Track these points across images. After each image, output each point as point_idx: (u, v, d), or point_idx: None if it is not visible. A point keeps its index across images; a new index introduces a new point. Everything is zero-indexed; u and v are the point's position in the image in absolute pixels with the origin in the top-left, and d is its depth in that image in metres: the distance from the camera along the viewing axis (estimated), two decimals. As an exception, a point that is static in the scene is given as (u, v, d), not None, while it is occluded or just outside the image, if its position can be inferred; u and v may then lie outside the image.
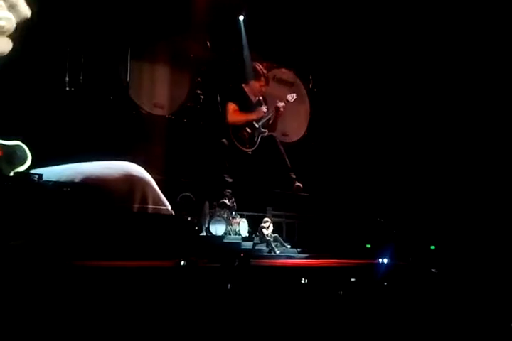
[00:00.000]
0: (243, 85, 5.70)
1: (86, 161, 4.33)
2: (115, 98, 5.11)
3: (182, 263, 3.26)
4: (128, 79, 5.05)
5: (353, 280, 3.72)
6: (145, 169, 4.97)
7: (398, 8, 6.43)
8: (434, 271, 4.28)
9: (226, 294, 3.02)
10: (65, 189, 3.79)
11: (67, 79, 4.57)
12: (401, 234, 6.03)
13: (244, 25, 6.07)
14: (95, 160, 4.41)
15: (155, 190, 4.51)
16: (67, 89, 4.55)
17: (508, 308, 3.26)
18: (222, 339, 2.66)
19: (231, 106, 5.56)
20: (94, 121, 4.79)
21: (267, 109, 5.66)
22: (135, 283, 2.80)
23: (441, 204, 6.34)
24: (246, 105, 5.64)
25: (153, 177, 4.96)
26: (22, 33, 3.71)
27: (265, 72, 5.79)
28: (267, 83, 5.79)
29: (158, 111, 5.60)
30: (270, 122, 5.76)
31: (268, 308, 3.01)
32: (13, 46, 3.75)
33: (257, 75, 5.70)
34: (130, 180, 4.35)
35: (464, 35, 6.28)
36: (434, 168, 6.60)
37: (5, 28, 2.30)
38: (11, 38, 3.59)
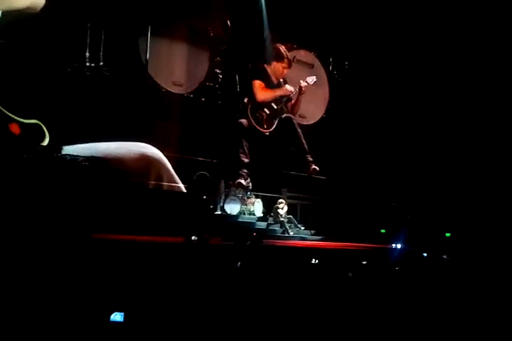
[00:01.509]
0: (265, 66, 5.66)
1: (103, 140, 4.38)
2: (134, 75, 5.12)
3: (193, 238, 3.30)
4: (147, 56, 5.05)
5: (364, 263, 3.74)
6: (163, 147, 5.02)
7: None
8: (445, 257, 4.27)
9: (236, 272, 3.06)
10: (83, 163, 3.83)
11: (87, 54, 4.59)
12: (416, 220, 6.02)
13: (265, 4, 6.01)
14: (113, 139, 4.46)
15: (169, 170, 4.58)
16: (88, 64, 4.57)
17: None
18: (231, 318, 2.71)
19: (257, 83, 5.51)
20: (112, 98, 4.81)
21: (293, 88, 5.60)
22: (148, 257, 2.85)
23: (458, 192, 6.29)
24: (270, 84, 5.61)
25: (171, 156, 5.02)
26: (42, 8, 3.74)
27: (288, 54, 5.73)
28: (289, 65, 5.73)
29: (176, 90, 5.60)
30: (292, 103, 5.71)
31: (277, 288, 3.05)
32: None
33: (280, 57, 5.64)
34: (146, 159, 4.44)
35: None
36: (452, 154, 6.54)
37: None
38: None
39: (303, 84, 5.57)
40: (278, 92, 5.57)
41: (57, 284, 2.40)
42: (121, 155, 4.27)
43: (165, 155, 5.11)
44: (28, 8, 3.32)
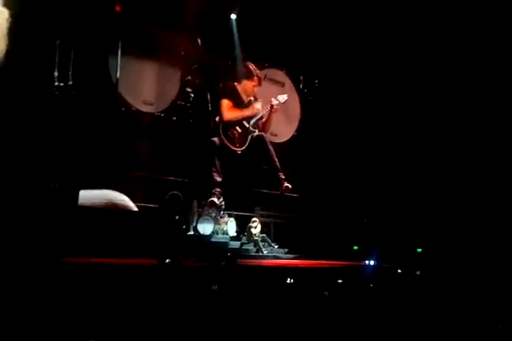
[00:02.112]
0: (235, 84, 5.67)
1: (71, 159, 4.30)
2: (104, 94, 5.06)
3: (167, 261, 3.24)
4: (117, 75, 5.01)
5: (340, 281, 3.73)
6: (134, 167, 4.96)
7: (390, 9, 6.45)
8: (418, 273, 4.30)
9: (212, 294, 3.01)
10: (52, 185, 3.75)
11: (56, 73, 4.52)
12: (388, 236, 6.06)
13: (236, 23, 6.05)
14: (81, 158, 4.39)
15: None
16: (56, 83, 4.50)
17: (493, 310, 3.29)
18: (205, 338, 2.66)
19: (225, 103, 5.51)
20: (82, 118, 4.74)
21: (262, 106, 5.61)
22: (121, 280, 2.78)
23: (428, 207, 6.37)
24: (239, 103, 5.61)
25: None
26: (10, 26, 3.67)
27: (258, 72, 5.75)
28: (259, 83, 5.75)
29: (147, 109, 5.57)
30: (263, 121, 5.72)
31: (254, 308, 3.01)
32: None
33: (249, 75, 5.65)
34: (112, 207, 4.37)
35: (458, 35, 6.31)
36: (421, 170, 6.63)
37: None
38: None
39: (274, 102, 5.59)
40: (246, 112, 5.57)
41: (27, 311, 2.32)
42: (89, 204, 4.18)
43: (136, 176, 5.06)
44: None
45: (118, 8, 4.97)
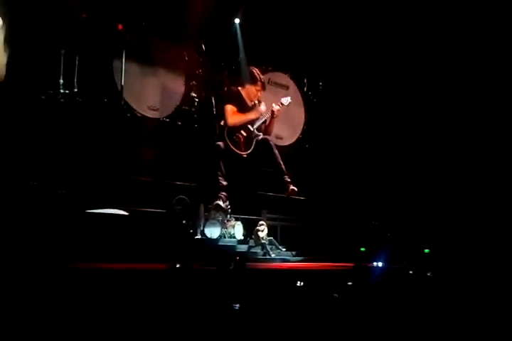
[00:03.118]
0: (239, 88, 5.68)
1: (78, 166, 4.31)
2: (109, 100, 5.09)
3: (177, 266, 3.25)
4: (122, 81, 5.03)
5: (349, 283, 3.72)
6: (139, 172, 4.98)
7: (395, 12, 6.45)
8: (429, 274, 4.28)
9: (221, 298, 3.01)
10: (59, 191, 3.78)
11: (61, 81, 4.55)
12: (395, 238, 6.04)
13: (239, 28, 6.07)
14: (88, 164, 4.38)
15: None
16: (62, 91, 4.53)
17: (504, 311, 3.27)
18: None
19: (229, 108, 5.52)
20: (87, 124, 4.77)
21: (265, 110, 5.62)
22: (130, 285, 2.79)
23: (436, 208, 6.35)
24: (243, 108, 5.62)
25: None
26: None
27: (262, 76, 5.76)
28: (263, 88, 5.76)
29: (152, 114, 5.59)
30: (266, 125, 5.74)
31: (263, 311, 3.00)
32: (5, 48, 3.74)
33: (253, 79, 5.66)
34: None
35: (459, 37, 6.30)
36: (429, 171, 6.62)
37: None
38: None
39: (275, 108, 5.60)
40: (249, 116, 5.57)
41: (35, 316, 2.32)
42: None
43: (142, 181, 5.07)
44: None
45: (120, 27, 5.02)
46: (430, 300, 3.60)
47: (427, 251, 5.68)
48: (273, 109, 5.60)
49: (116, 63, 5.17)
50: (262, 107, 5.62)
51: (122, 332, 2.45)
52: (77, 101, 4.70)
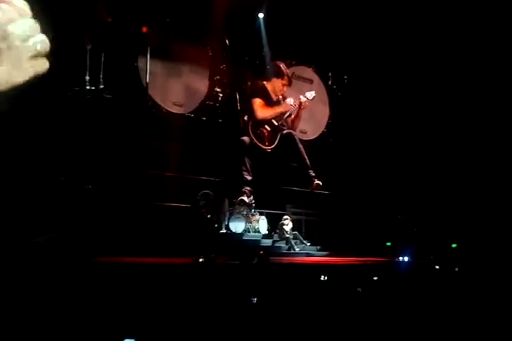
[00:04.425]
0: (265, 83, 5.68)
1: (104, 161, 4.37)
2: (135, 96, 5.14)
3: (201, 260, 3.27)
4: (147, 77, 5.08)
5: (375, 278, 3.70)
6: (164, 167, 5.03)
7: (421, 4, 6.35)
8: (456, 269, 4.23)
9: (245, 291, 3.02)
10: (86, 187, 3.84)
11: (87, 77, 4.61)
12: (422, 232, 5.97)
13: (263, 22, 6.06)
14: (114, 160, 4.45)
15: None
16: (88, 87, 4.59)
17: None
18: (240, 336, 2.67)
19: (257, 101, 5.52)
20: (113, 121, 4.82)
21: (294, 102, 5.60)
22: (155, 279, 2.82)
23: (464, 202, 6.26)
24: (269, 102, 5.61)
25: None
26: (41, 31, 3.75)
27: (288, 71, 5.74)
28: (289, 83, 5.74)
29: (177, 110, 5.63)
30: (292, 119, 5.71)
31: (287, 305, 3.01)
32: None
33: (280, 74, 5.65)
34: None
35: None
36: (457, 165, 6.51)
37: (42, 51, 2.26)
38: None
39: (302, 99, 5.57)
40: (278, 109, 5.57)
41: (63, 311, 2.37)
42: None
43: (168, 176, 5.12)
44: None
45: (145, 30, 5.06)
46: (457, 295, 3.56)
47: (454, 245, 5.61)
48: (300, 100, 5.56)
49: (141, 60, 5.22)
50: (290, 100, 5.59)
51: (146, 324, 2.48)
52: (103, 98, 4.75)
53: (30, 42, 0.92)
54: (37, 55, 0.93)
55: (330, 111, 6.97)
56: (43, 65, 0.95)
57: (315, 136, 6.83)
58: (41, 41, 0.93)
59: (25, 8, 0.92)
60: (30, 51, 0.92)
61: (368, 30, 6.78)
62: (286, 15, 6.24)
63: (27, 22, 0.91)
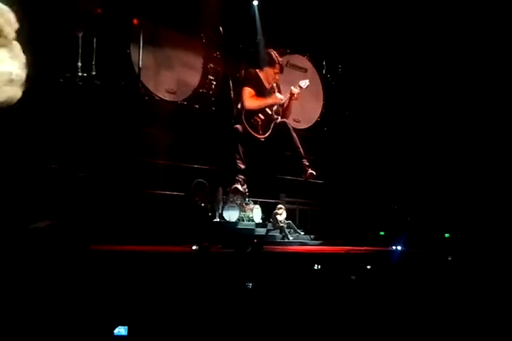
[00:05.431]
0: (257, 71, 5.63)
1: (96, 149, 4.32)
2: (127, 83, 5.08)
3: (194, 248, 3.26)
4: (140, 64, 5.02)
5: (368, 267, 3.70)
6: (158, 155, 4.99)
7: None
8: (449, 259, 4.24)
9: (239, 280, 3.02)
10: (79, 174, 3.81)
11: (79, 64, 4.55)
12: (415, 222, 5.99)
13: (257, 10, 5.99)
14: (105, 148, 4.39)
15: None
16: (80, 74, 4.53)
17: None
18: (235, 326, 2.67)
19: (247, 91, 5.48)
20: (105, 107, 4.77)
21: (283, 95, 5.58)
22: (148, 267, 2.81)
23: (457, 192, 6.28)
24: (261, 91, 5.57)
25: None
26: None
27: (280, 59, 5.69)
28: (281, 71, 5.69)
29: (170, 97, 5.57)
30: (284, 108, 5.69)
31: (281, 294, 3.01)
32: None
33: (271, 62, 5.60)
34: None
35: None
36: (450, 154, 6.53)
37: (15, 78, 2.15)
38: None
39: (294, 90, 5.54)
40: (268, 101, 5.54)
41: (57, 299, 2.35)
42: None
43: (161, 164, 5.09)
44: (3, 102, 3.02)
45: (136, 22, 5.00)
46: (450, 284, 3.57)
47: (447, 235, 5.63)
48: (292, 91, 5.54)
49: (133, 47, 5.15)
50: (278, 94, 5.57)
51: (141, 312, 2.47)
52: (95, 84, 4.70)
53: (8, 68, 0.89)
54: (12, 82, 0.91)
55: (324, 100, 6.94)
56: (16, 93, 0.93)
57: (309, 125, 6.81)
58: (17, 73, 0.91)
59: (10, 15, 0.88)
60: (5, 76, 0.89)
61: (362, 19, 6.75)
62: (281, 2, 6.18)
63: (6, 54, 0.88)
